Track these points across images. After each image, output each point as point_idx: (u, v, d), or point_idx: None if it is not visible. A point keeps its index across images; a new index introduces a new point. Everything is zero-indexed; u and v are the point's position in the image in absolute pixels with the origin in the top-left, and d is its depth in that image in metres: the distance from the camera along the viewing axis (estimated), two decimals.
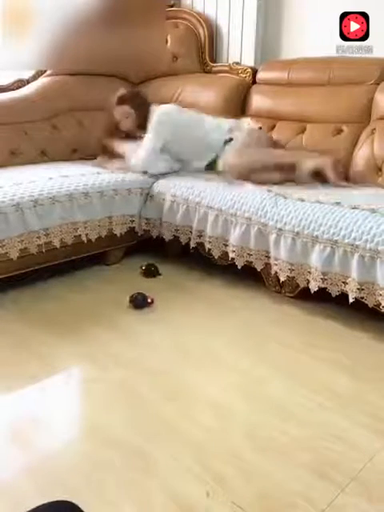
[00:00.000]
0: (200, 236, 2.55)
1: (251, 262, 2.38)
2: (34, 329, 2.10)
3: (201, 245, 2.57)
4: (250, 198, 2.36)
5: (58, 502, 0.84)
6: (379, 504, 1.30)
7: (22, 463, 1.43)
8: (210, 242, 2.50)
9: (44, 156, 3.06)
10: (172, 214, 2.64)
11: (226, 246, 2.45)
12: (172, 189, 2.65)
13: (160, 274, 2.63)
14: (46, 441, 1.54)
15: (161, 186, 2.71)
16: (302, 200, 2.25)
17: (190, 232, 2.60)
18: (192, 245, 2.60)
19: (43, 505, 0.81)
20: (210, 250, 2.51)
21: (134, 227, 2.75)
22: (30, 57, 2.97)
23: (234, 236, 2.39)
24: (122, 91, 2.90)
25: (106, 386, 1.77)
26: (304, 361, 1.93)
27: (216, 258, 2.51)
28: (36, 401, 1.72)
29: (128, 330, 2.12)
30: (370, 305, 2.04)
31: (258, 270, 2.39)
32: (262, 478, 1.38)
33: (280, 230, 2.23)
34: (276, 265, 2.29)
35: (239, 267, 2.41)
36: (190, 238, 2.61)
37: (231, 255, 2.42)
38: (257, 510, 1.27)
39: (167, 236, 2.70)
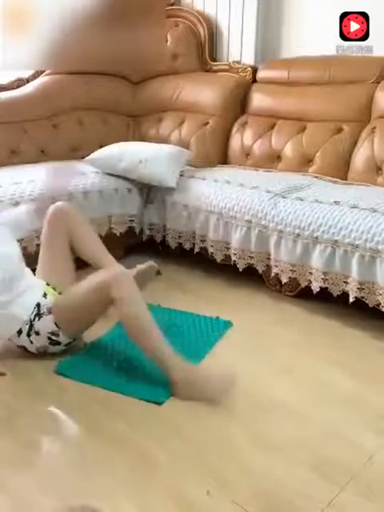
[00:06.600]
0: (203, 241, 2.57)
1: (252, 264, 2.40)
2: None
3: (204, 249, 2.59)
4: (250, 201, 2.38)
5: None
6: (379, 503, 1.30)
7: (22, 462, 1.43)
8: (212, 246, 2.52)
9: (44, 155, 3.05)
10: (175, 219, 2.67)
11: (227, 248, 2.47)
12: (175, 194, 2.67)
13: (160, 274, 2.62)
14: (46, 440, 1.54)
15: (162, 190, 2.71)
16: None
17: (193, 237, 2.62)
18: (196, 250, 2.63)
19: None
20: (212, 253, 2.53)
21: (133, 227, 2.75)
22: (30, 57, 2.96)
23: (235, 239, 2.40)
24: None
25: None
26: (304, 360, 1.93)
27: (218, 260, 2.52)
28: (36, 399, 1.72)
29: None
30: (371, 304, 2.04)
31: (260, 271, 2.41)
32: (262, 477, 1.38)
33: (280, 231, 2.24)
34: (277, 266, 2.29)
35: (240, 270, 2.43)
36: (194, 244, 2.64)
37: (233, 258, 2.43)
38: (257, 509, 1.27)
39: (172, 243, 2.72)
